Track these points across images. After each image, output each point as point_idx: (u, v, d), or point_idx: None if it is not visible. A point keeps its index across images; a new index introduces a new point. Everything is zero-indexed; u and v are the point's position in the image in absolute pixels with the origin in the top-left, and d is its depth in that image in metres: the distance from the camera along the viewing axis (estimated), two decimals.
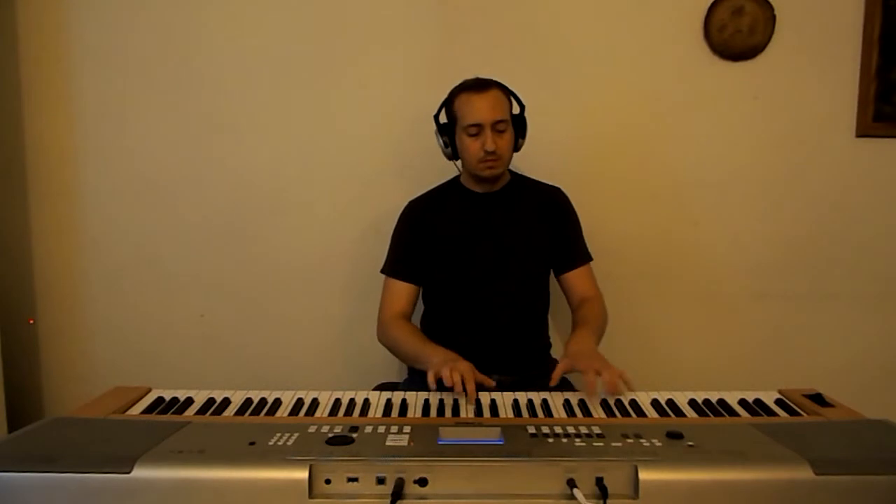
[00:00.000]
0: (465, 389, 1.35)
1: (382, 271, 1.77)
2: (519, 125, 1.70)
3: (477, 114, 1.61)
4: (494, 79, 1.67)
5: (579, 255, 1.77)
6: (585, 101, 2.09)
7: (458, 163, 1.75)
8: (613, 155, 2.11)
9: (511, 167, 1.76)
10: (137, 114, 2.08)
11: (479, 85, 1.64)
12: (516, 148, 1.71)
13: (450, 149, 1.71)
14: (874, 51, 2.04)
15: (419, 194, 1.82)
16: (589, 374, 1.36)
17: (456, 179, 1.81)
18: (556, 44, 2.06)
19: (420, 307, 1.84)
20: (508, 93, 1.68)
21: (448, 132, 1.70)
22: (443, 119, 1.73)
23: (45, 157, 2.11)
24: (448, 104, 1.70)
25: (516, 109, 1.70)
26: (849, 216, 2.14)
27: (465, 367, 1.40)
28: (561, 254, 1.76)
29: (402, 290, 1.74)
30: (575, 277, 1.76)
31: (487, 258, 1.71)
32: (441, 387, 1.38)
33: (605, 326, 1.70)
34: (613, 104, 2.09)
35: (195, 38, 2.06)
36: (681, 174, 2.12)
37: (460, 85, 1.68)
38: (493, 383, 1.43)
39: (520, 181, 1.80)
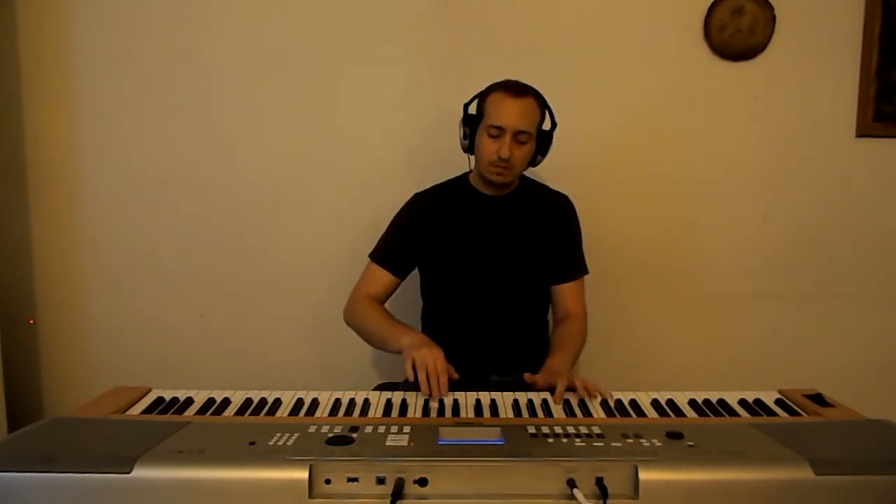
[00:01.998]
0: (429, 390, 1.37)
1: (370, 255, 1.76)
2: (543, 141, 1.67)
3: (503, 117, 1.58)
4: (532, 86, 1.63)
5: (575, 268, 1.76)
6: (585, 100, 2.08)
7: (471, 158, 1.73)
8: (613, 155, 2.11)
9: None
10: (137, 114, 2.08)
11: (516, 89, 1.61)
12: (534, 163, 1.69)
13: (468, 141, 1.69)
14: (874, 51, 2.04)
15: (426, 188, 1.80)
16: (558, 389, 1.38)
17: (465, 177, 1.79)
18: (557, 43, 2.06)
19: (418, 303, 1.84)
20: (544, 106, 1.65)
21: (472, 125, 1.67)
22: (472, 110, 1.69)
23: (45, 157, 2.11)
24: (481, 98, 1.66)
25: (547, 125, 1.68)
26: (849, 216, 2.14)
27: (436, 355, 1.40)
28: (557, 264, 1.74)
29: (381, 277, 1.73)
30: (566, 290, 1.74)
31: (490, 260, 1.70)
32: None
33: (582, 346, 1.70)
34: (613, 104, 2.09)
35: (195, 37, 2.06)
36: (680, 174, 2.12)
37: (500, 83, 1.64)
38: (456, 376, 1.43)
39: (528, 185, 1.78)
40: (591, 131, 2.09)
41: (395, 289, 1.77)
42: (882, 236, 2.14)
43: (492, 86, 1.65)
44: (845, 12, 2.05)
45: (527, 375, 1.48)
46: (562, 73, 2.07)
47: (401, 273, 1.75)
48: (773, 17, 2.03)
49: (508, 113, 1.58)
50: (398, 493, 0.96)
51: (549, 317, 1.84)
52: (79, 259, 2.14)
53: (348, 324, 1.73)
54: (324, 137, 2.10)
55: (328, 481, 0.97)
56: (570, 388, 1.40)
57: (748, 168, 2.12)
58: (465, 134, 1.68)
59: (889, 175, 2.12)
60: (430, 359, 1.40)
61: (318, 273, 2.15)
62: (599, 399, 1.37)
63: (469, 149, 1.70)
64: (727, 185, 2.12)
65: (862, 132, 2.09)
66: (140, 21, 2.05)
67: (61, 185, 2.11)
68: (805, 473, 0.97)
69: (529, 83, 1.63)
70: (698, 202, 2.14)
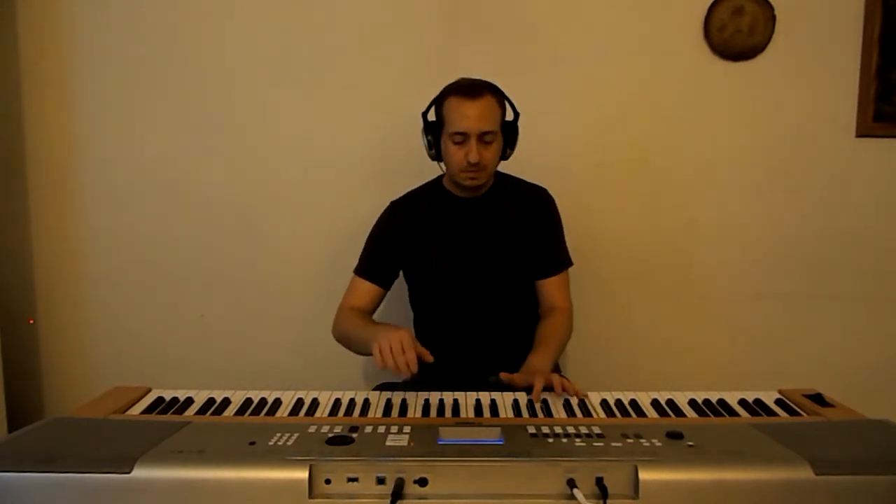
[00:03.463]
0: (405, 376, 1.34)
1: (354, 270, 1.73)
2: (509, 133, 1.62)
3: (464, 122, 1.52)
4: (490, 81, 1.59)
5: (557, 263, 1.72)
6: (585, 100, 2.09)
7: (442, 164, 1.69)
8: (612, 155, 2.11)
9: (498, 167, 1.69)
10: (137, 115, 2.09)
11: (471, 90, 1.54)
12: (504, 157, 1.64)
13: (434, 150, 1.65)
14: (874, 51, 2.04)
15: (401, 195, 1.77)
16: (536, 386, 1.36)
17: (439, 181, 1.75)
18: (556, 43, 2.06)
19: (409, 313, 1.83)
20: (502, 98, 1.60)
21: (434, 132, 1.63)
22: (431, 117, 1.65)
23: (45, 157, 2.11)
24: (437, 104, 1.61)
25: (509, 115, 1.63)
26: (849, 216, 2.14)
27: (401, 335, 1.35)
28: (539, 259, 1.71)
29: (365, 289, 1.70)
30: (549, 285, 1.71)
31: (473, 262, 1.67)
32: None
33: (566, 340, 1.67)
34: (613, 104, 2.09)
35: (193, 37, 2.06)
36: (680, 174, 2.12)
37: (453, 85, 1.59)
38: (431, 359, 1.37)
39: (504, 182, 1.73)
40: (590, 131, 2.09)
41: (381, 300, 1.73)
42: (882, 236, 2.14)
43: (445, 90, 1.59)
44: (845, 12, 2.05)
45: (503, 375, 1.45)
46: (561, 73, 2.07)
47: (384, 283, 1.72)
48: (773, 17, 2.03)
49: (468, 116, 1.52)
50: (398, 493, 0.96)
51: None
52: (79, 259, 2.14)
53: (336, 339, 1.69)
54: (324, 138, 2.10)
55: (328, 481, 0.97)
56: (548, 388, 1.38)
57: (748, 168, 2.12)
58: (429, 143, 1.64)
59: (889, 175, 2.12)
60: (395, 338, 1.34)
61: (318, 273, 2.15)
62: (577, 400, 1.36)
63: (437, 157, 1.66)
64: (727, 185, 2.12)
65: (862, 132, 2.09)
66: (139, 21, 2.05)
67: (61, 185, 2.11)
68: (805, 473, 0.97)
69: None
70: (698, 202, 2.14)
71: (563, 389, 1.37)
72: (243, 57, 2.06)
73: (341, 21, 2.05)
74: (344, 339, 1.67)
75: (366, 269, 1.72)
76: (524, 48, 2.05)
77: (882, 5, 2.02)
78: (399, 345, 1.33)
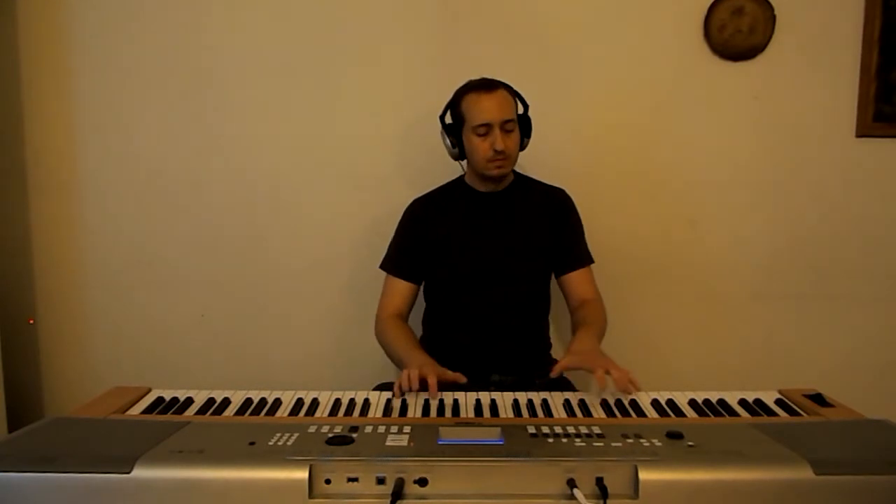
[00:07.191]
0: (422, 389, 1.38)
1: (381, 267, 1.78)
2: (524, 124, 1.71)
3: (486, 114, 1.62)
4: (499, 79, 1.68)
5: (580, 257, 1.77)
6: (585, 100, 2.09)
7: (463, 163, 1.75)
8: (613, 155, 2.11)
9: (515, 167, 1.76)
10: (137, 114, 2.08)
11: (486, 85, 1.65)
12: (522, 147, 1.72)
13: (457, 149, 1.71)
14: (874, 51, 2.04)
15: (423, 193, 1.82)
16: (599, 371, 1.35)
17: (460, 179, 1.82)
18: (556, 43, 2.06)
19: (422, 305, 1.84)
20: (513, 92, 1.69)
21: (454, 132, 1.71)
22: (448, 119, 1.73)
23: (46, 156, 2.11)
24: (454, 105, 1.70)
25: (520, 109, 1.71)
26: (849, 216, 2.14)
27: (428, 370, 1.41)
28: (562, 255, 1.76)
29: (401, 288, 1.75)
30: (575, 279, 1.76)
31: (490, 258, 1.71)
32: (423, 386, 1.39)
33: (605, 329, 1.70)
34: (613, 104, 2.09)
35: (195, 37, 2.06)
36: (680, 174, 2.12)
37: (467, 85, 1.68)
38: (463, 379, 1.45)
39: (524, 181, 1.80)
40: (590, 131, 2.09)
41: (416, 296, 1.78)
42: (882, 236, 2.14)
43: (461, 90, 1.69)
44: (845, 12, 2.05)
45: (555, 370, 1.45)
46: (562, 73, 2.07)
47: (417, 279, 1.77)
48: (773, 17, 2.03)
49: (489, 108, 1.62)
50: (398, 493, 0.96)
51: (551, 318, 1.85)
52: (79, 259, 2.14)
53: (378, 340, 1.74)
54: (324, 138, 2.10)
55: (328, 481, 0.97)
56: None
57: (748, 168, 2.12)
58: (451, 143, 1.72)
59: (889, 175, 2.12)
60: (416, 369, 1.40)
61: (318, 273, 2.15)
62: (607, 396, 1.36)
63: (459, 156, 1.73)
64: (727, 185, 2.12)
65: (862, 132, 2.09)
66: (139, 20, 2.05)
67: (61, 185, 2.11)
68: (805, 473, 0.97)
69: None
70: (698, 202, 2.14)
71: (630, 382, 1.36)
72: (246, 56, 2.06)
73: (344, 22, 2.05)
74: (385, 350, 1.71)
75: (398, 266, 1.77)
76: (524, 49, 2.05)
77: (882, 5, 2.02)
78: (418, 371, 1.39)
